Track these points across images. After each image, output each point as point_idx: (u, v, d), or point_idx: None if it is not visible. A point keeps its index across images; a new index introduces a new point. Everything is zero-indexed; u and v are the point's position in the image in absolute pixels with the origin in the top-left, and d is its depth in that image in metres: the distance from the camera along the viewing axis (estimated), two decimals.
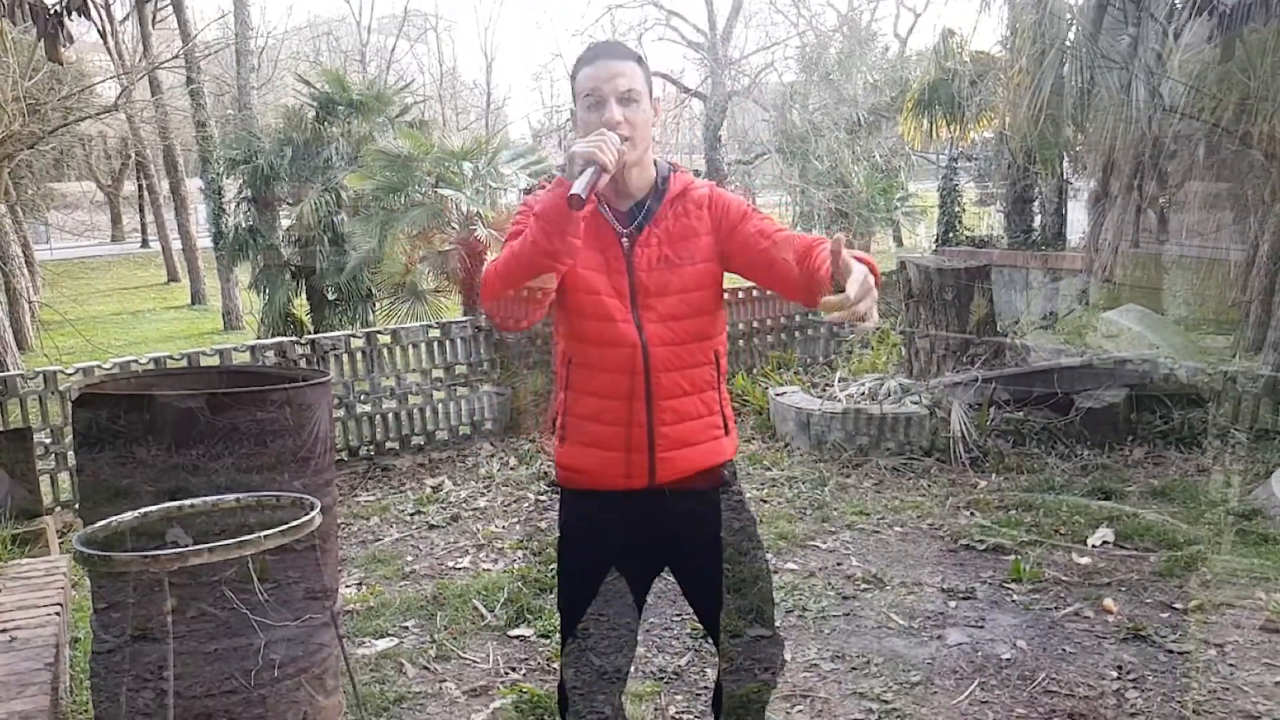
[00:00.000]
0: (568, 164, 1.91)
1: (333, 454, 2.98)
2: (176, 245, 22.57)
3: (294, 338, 6.11)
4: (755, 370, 7.54)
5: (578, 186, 1.83)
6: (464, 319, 6.59)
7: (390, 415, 6.29)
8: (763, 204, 19.81)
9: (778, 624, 2.36)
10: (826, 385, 6.83)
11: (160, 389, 2.92)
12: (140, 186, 24.39)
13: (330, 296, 14.04)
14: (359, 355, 6.17)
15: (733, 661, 2.29)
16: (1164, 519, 4.63)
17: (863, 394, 6.13)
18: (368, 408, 6.20)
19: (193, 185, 21.68)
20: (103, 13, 21.14)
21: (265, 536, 2.07)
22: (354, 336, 6.19)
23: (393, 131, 13.59)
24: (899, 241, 17.88)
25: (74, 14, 4.14)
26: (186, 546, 2.16)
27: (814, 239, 1.98)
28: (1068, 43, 5.58)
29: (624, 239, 2.08)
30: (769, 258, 2.03)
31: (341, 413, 6.11)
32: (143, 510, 2.28)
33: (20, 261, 16.32)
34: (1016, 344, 6.50)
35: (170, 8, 19.09)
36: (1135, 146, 5.82)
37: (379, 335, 6.30)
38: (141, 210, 26.43)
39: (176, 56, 16.37)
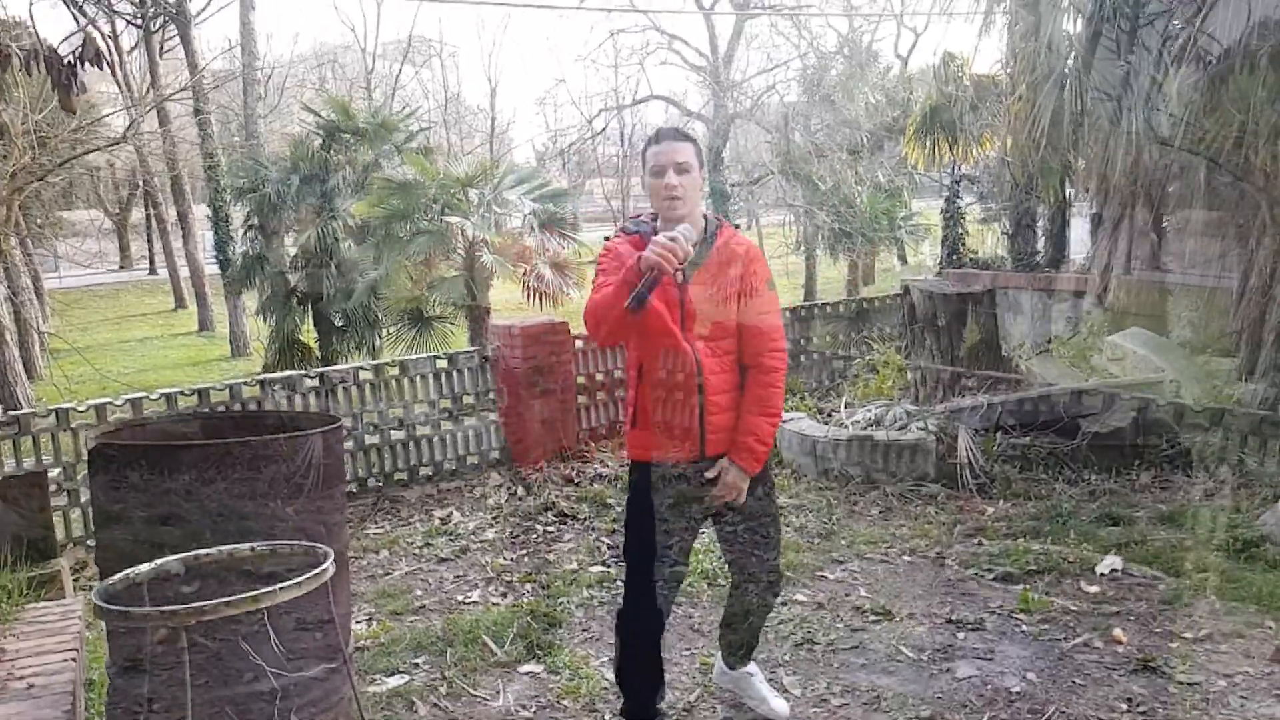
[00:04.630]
0: (639, 262, 2.62)
1: (344, 497, 3.01)
2: (184, 272, 22.74)
3: (304, 371, 6.15)
4: None
5: (634, 299, 2.62)
6: (471, 349, 6.64)
7: (398, 446, 6.33)
8: (766, 224, 19.89)
9: (787, 655, 3.30)
10: (833, 411, 6.85)
11: (175, 436, 2.96)
12: (148, 215, 24.61)
13: (338, 323, 14.11)
14: (367, 387, 6.21)
15: (748, 575, 3.12)
16: (1172, 545, 4.63)
17: (869, 421, 6.15)
18: (376, 439, 6.24)
19: (200, 212, 21.85)
20: (111, 44, 21.42)
21: (281, 589, 2.11)
22: (362, 369, 6.24)
23: (399, 158, 13.71)
24: (903, 260, 17.93)
25: (87, 64, 4.21)
26: (203, 594, 2.19)
27: (752, 395, 2.88)
28: (1065, 71, 5.62)
29: (679, 279, 2.79)
30: (743, 336, 2.88)
31: (350, 444, 6.14)
32: (159, 562, 2.31)
33: (30, 292, 16.42)
34: (1022, 367, 6.52)
35: (178, 39, 19.36)
36: (1130, 175, 5.87)
37: (387, 367, 6.34)
38: (149, 238, 26.66)
39: (184, 89, 16.53)
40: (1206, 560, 4.43)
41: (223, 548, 2.40)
